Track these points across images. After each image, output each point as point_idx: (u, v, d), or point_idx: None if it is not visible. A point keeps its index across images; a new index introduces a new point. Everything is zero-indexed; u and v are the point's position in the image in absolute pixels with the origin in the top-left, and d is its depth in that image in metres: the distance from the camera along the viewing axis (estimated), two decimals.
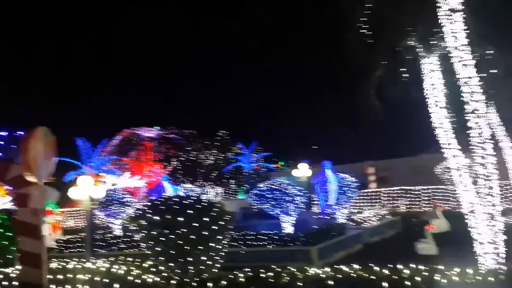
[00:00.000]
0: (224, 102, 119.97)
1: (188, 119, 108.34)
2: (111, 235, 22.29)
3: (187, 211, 7.55)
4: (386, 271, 7.84)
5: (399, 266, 8.00)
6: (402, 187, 31.28)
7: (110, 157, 45.79)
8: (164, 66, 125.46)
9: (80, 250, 19.43)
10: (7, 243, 9.34)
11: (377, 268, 7.97)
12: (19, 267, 7.46)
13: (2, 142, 44.58)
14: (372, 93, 9.92)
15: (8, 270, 8.75)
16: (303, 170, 25.38)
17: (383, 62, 9.68)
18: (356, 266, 8.07)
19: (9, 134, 45.14)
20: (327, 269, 8.06)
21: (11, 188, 5.58)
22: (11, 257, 9.31)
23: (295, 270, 7.93)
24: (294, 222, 18.44)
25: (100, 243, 19.89)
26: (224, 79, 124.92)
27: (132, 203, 23.84)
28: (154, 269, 7.86)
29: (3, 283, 8.46)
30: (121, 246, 20.00)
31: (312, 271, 7.97)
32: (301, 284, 7.48)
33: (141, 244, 8.04)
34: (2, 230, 9.29)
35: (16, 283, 8.18)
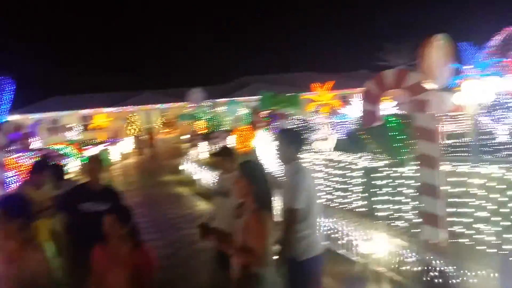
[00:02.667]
0: None
1: None
2: (494, 141, 21.48)
3: None
4: None
5: None
6: None
7: (492, 59, 42.74)
8: None
9: (464, 154, 19.47)
10: (400, 145, 10.03)
11: None
12: (415, 168, 8.10)
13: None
14: None
15: (403, 169, 9.51)
16: None
17: None
18: None
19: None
20: None
21: (409, 94, 5.97)
22: (403, 158, 10.02)
23: None
24: None
25: (485, 149, 19.42)
26: None
27: None
28: None
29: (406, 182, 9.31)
30: (507, 153, 19.04)
31: None
32: None
33: None
34: (396, 133, 10.00)
35: (413, 182, 8.96)
